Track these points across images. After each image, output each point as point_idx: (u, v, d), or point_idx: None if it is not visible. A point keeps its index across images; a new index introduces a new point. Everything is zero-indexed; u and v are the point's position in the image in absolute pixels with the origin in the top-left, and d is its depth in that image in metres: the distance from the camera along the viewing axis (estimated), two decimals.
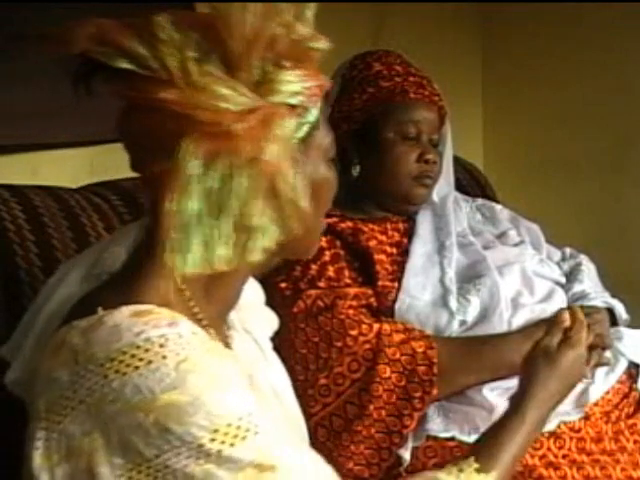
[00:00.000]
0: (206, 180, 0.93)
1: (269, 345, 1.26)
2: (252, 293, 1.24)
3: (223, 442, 0.92)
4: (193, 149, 0.93)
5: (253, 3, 0.95)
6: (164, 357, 0.92)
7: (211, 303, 1.05)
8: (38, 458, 0.95)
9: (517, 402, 1.28)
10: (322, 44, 1.01)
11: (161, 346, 0.93)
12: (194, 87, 0.93)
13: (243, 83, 0.95)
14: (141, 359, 0.92)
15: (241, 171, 0.94)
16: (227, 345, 1.12)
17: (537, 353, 1.33)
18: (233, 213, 0.94)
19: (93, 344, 0.94)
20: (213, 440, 0.92)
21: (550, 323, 1.37)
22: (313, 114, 1.02)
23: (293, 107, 0.98)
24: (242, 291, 1.11)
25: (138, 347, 0.92)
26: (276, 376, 1.22)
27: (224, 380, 0.96)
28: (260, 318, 1.25)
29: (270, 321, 1.30)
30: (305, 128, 1.01)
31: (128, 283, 1.01)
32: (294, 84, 0.98)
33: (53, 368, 0.96)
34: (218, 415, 0.92)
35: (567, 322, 1.35)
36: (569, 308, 1.40)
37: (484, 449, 1.21)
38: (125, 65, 0.94)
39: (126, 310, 0.96)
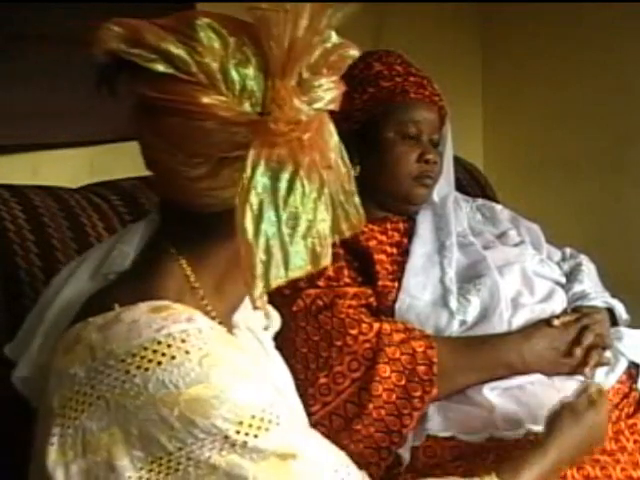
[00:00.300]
0: (276, 191, 0.95)
1: (271, 344, 1.27)
2: None
3: (247, 433, 0.95)
4: (261, 159, 0.94)
5: (293, 12, 0.95)
6: (187, 352, 0.94)
7: (222, 301, 1.07)
8: (53, 454, 0.96)
9: (541, 439, 1.35)
10: (355, 51, 1.03)
11: (183, 341, 0.94)
12: (238, 92, 0.94)
13: (291, 90, 0.96)
14: (164, 354, 0.94)
15: (306, 179, 0.96)
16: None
17: (563, 408, 1.39)
18: (304, 220, 0.96)
19: (111, 340, 0.95)
20: (238, 432, 0.94)
21: (578, 390, 1.44)
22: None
23: (330, 113, 1.01)
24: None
25: (160, 343, 0.94)
26: (279, 374, 1.24)
27: (245, 373, 0.98)
28: (262, 317, 1.26)
29: (272, 320, 1.31)
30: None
31: (142, 280, 1.03)
32: (331, 91, 1.00)
33: (68, 365, 0.97)
34: (242, 407, 0.95)
35: (592, 391, 1.41)
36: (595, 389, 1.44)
37: (506, 467, 1.26)
38: (163, 68, 0.94)
39: (144, 306, 0.97)
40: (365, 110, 1.75)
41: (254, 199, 0.94)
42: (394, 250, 1.72)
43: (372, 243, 1.70)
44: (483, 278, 1.68)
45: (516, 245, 1.84)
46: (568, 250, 1.94)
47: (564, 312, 1.71)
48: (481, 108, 2.96)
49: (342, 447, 1.53)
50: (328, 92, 0.99)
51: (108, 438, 0.94)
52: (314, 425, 1.55)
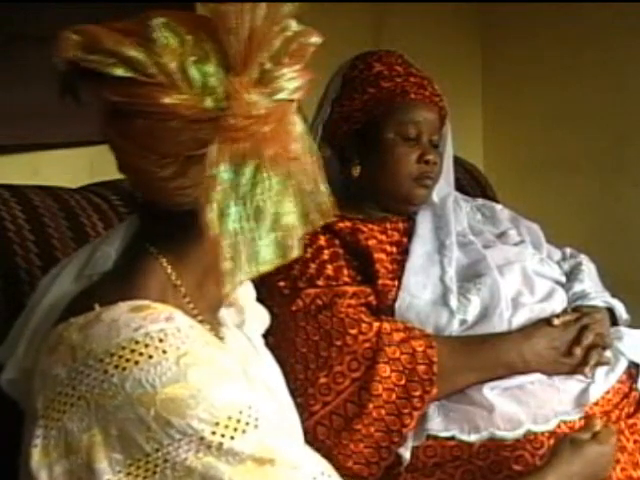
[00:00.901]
0: (238, 185, 0.94)
1: (261, 341, 1.26)
2: (243, 290, 1.23)
3: (223, 435, 0.93)
4: (219, 155, 0.94)
5: (249, 3, 0.95)
6: (164, 351, 0.93)
7: (204, 299, 1.06)
8: (37, 455, 0.96)
9: (539, 468, 1.36)
10: (315, 39, 1.02)
11: (160, 341, 0.94)
12: (199, 89, 0.94)
13: (245, 83, 0.95)
14: (141, 354, 0.93)
15: (269, 172, 0.95)
16: (220, 341, 1.12)
17: (564, 440, 1.39)
18: (270, 214, 0.96)
19: (91, 340, 0.95)
20: (214, 433, 0.93)
21: (584, 424, 1.46)
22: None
23: (294, 102, 1.00)
24: None
25: (137, 342, 0.93)
26: (269, 372, 1.22)
27: (224, 373, 0.96)
28: (251, 315, 1.25)
29: (261, 317, 1.30)
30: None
31: (124, 280, 1.02)
32: (295, 80, 0.99)
33: (51, 365, 0.97)
34: (219, 408, 0.93)
35: (598, 427, 1.41)
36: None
37: None
38: (122, 72, 0.94)
39: (123, 306, 0.96)
40: (365, 110, 1.75)
41: (218, 196, 0.94)
42: (394, 249, 1.72)
43: (372, 242, 1.70)
44: (483, 277, 1.68)
45: (516, 245, 1.84)
46: (568, 250, 1.94)
47: (564, 311, 1.71)
48: (481, 108, 2.96)
49: (342, 446, 1.55)
50: (291, 81, 0.98)
51: (88, 440, 0.94)
52: (314, 425, 1.56)
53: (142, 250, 1.05)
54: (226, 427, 0.93)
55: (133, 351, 0.93)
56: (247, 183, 0.95)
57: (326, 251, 1.67)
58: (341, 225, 1.72)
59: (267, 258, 0.97)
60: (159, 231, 1.05)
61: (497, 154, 2.93)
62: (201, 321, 1.05)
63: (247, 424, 0.94)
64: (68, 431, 0.94)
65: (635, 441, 1.58)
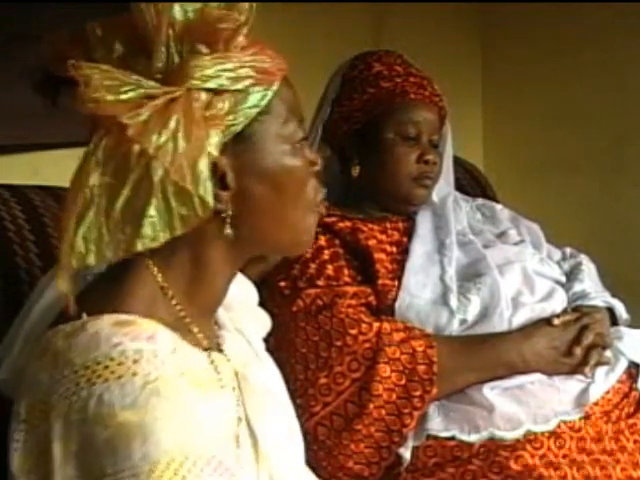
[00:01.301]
0: (104, 171, 0.93)
1: (262, 346, 1.24)
2: (245, 293, 1.23)
3: (160, 477, 0.88)
4: (94, 148, 0.93)
5: None
6: (134, 374, 0.90)
7: (194, 302, 1.04)
8: (17, 460, 0.94)
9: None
10: (229, 23, 0.97)
11: (135, 362, 0.91)
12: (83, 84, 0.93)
13: (154, 73, 0.94)
14: (113, 372, 0.90)
15: (135, 162, 0.92)
16: (218, 345, 1.11)
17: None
18: (124, 204, 0.93)
19: (73, 350, 0.93)
20: (151, 472, 0.88)
21: None
22: (258, 98, 0.99)
23: (219, 93, 0.96)
24: (227, 290, 1.09)
25: (112, 359, 0.91)
26: (270, 377, 1.20)
27: (187, 412, 0.92)
28: (252, 318, 1.24)
29: (263, 321, 1.29)
30: (246, 113, 0.99)
31: (113, 286, 1.00)
32: (201, 69, 0.95)
33: (37, 370, 0.95)
34: (164, 448, 0.88)
35: None
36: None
37: None
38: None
39: (108, 318, 0.94)
40: (365, 110, 1.75)
41: (84, 174, 0.93)
42: (394, 249, 1.72)
43: (372, 242, 1.70)
44: (483, 277, 1.68)
45: (516, 244, 1.84)
46: (568, 249, 1.94)
47: (564, 311, 1.71)
48: (481, 108, 2.96)
49: (343, 447, 1.56)
50: (195, 69, 0.94)
51: (54, 451, 0.91)
52: (315, 425, 1.56)
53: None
54: (163, 471, 0.88)
55: (106, 367, 0.90)
56: (109, 173, 0.93)
57: (326, 251, 1.67)
58: (341, 225, 1.72)
59: (111, 244, 0.94)
60: None
61: (497, 154, 2.93)
62: (190, 323, 1.03)
63: (184, 477, 0.88)
64: (41, 440, 0.92)
65: (635, 441, 1.57)
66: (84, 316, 0.95)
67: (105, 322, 0.94)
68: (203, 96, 0.95)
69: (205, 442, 0.92)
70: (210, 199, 0.95)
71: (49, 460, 0.91)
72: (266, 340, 1.27)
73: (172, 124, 0.93)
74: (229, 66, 0.97)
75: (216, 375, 1.04)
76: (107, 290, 1.00)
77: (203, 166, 0.94)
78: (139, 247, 0.94)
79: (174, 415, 0.90)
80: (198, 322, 1.05)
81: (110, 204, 0.93)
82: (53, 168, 1.88)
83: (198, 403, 0.94)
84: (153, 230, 0.94)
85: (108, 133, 0.93)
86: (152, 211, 0.93)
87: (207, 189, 0.95)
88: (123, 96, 0.92)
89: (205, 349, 1.05)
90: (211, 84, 0.95)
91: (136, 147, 0.92)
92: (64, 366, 0.92)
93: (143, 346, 0.92)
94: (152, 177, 0.93)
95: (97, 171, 0.93)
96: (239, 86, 0.97)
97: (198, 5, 0.96)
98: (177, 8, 0.95)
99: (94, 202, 0.93)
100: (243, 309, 1.21)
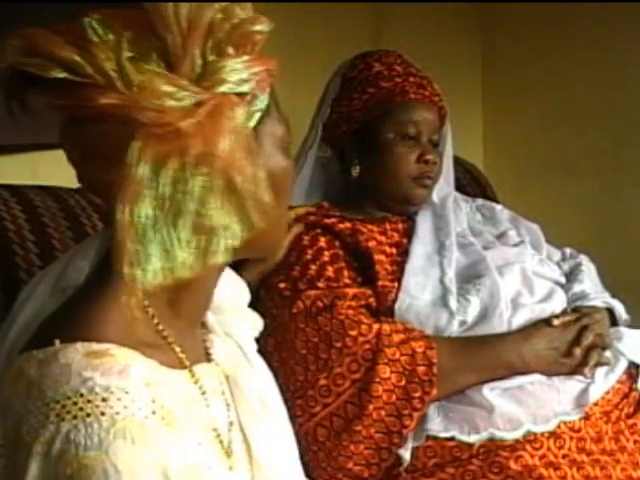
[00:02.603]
0: (157, 184, 0.88)
1: (253, 348, 1.22)
2: (235, 294, 1.20)
3: None
4: (141, 153, 0.88)
5: None
6: (102, 413, 0.87)
7: (179, 317, 1.01)
8: None
9: None
10: (263, 26, 0.96)
11: (104, 400, 0.88)
12: (136, 88, 0.89)
13: (185, 77, 0.91)
14: (81, 409, 0.88)
15: (193, 170, 0.89)
16: (206, 350, 1.09)
17: None
18: (190, 215, 0.89)
19: (44, 381, 0.90)
20: None
21: None
22: (263, 101, 0.98)
23: (242, 95, 0.94)
24: (213, 295, 1.07)
25: (82, 395, 0.88)
26: (261, 381, 1.18)
27: (153, 457, 0.89)
28: (243, 320, 1.21)
29: (254, 322, 1.26)
30: (256, 116, 0.97)
31: (89, 307, 0.97)
32: (240, 71, 0.93)
33: (10, 397, 0.93)
34: None
35: None
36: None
37: None
38: (59, 74, 0.90)
39: (81, 348, 0.91)
40: (365, 110, 1.75)
41: (131, 194, 0.87)
42: (394, 250, 1.72)
43: (371, 243, 1.70)
44: (483, 278, 1.68)
45: (516, 245, 1.84)
46: (568, 250, 1.94)
47: (564, 312, 1.71)
48: (481, 108, 2.96)
49: (342, 448, 1.56)
50: (233, 73, 0.93)
51: None
52: (314, 426, 1.56)
53: (110, 267, 0.97)
54: None
55: (75, 403, 0.88)
56: (167, 183, 0.88)
57: (326, 252, 1.67)
58: (341, 226, 1.72)
59: (181, 260, 0.89)
60: None
61: (497, 154, 2.93)
62: (172, 343, 1.00)
63: None
64: (15, 468, 0.90)
65: (635, 441, 1.58)
66: (57, 342, 0.92)
67: (77, 352, 0.91)
68: (236, 100, 0.94)
69: None
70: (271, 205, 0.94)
71: None
72: (257, 341, 1.26)
73: (225, 130, 0.90)
74: (254, 70, 0.95)
75: (198, 391, 1.02)
76: (82, 312, 0.97)
77: (261, 173, 0.93)
78: (219, 259, 0.91)
79: (139, 460, 0.88)
80: (183, 335, 1.02)
81: (176, 217, 0.89)
82: (53, 168, 1.88)
83: (166, 445, 0.91)
84: (231, 238, 0.91)
85: (161, 140, 0.88)
86: (223, 219, 0.91)
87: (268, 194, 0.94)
88: (182, 103, 0.89)
89: (187, 366, 1.02)
90: (242, 88, 0.94)
91: (197, 154, 0.89)
92: (37, 397, 0.90)
93: (114, 382, 0.89)
94: (219, 184, 0.90)
95: (154, 181, 0.89)
96: (259, 90, 0.97)
97: (225, 5, 0.94)
98: (210, 10, 0.92)
99: (157, 215, 0.89)
100: (234, 310, 1.18)
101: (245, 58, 0.94)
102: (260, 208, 0.92)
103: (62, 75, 0.90)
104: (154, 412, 0.91)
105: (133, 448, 0.87)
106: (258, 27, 0.96)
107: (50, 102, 0.94)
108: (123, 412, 0.88)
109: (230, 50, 0.94)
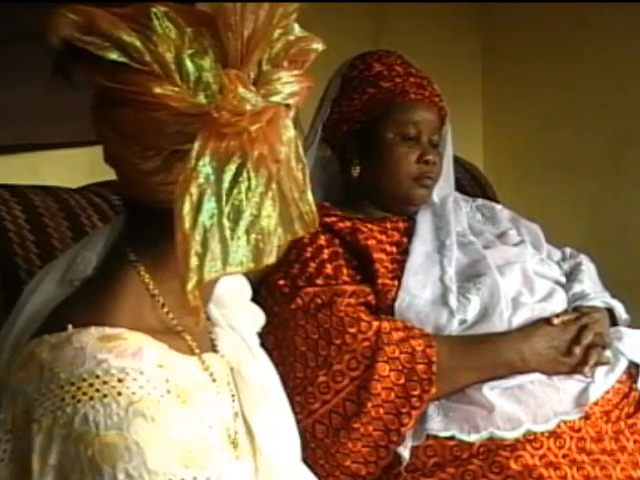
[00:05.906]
0: (221, 182, 0.91)
1: (256, 341, 1.24)
2: (238, 289, 1.22)
3: None
4: (206, 149, 0.90)
5: (252, 3, 0.93)
6: (119, 393, 0.89)
7: (186, 308, 1.01)
8: (2, 471, 0.93)
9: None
10: (318, 45, 1.00)
11: (119, 380, 0.90)
12: (192, 83, 0.91)
13: (242, 80, 0.92)
14: (97, 390, 0.90)
15: (255, 173, 0.92)
16: (211, 341, 1.10)
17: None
18: (249, 215, 0.92)
19: (58, 363, 0.92)
20: None
21: None
22: (293, 114, 1.00)
23: (288, 107, 0.97)
24: (214, 288, 1.08)
25: (97, 377, 0.90)
26: (264, 373, 1.19)
27: (171, 433, 0.91)
28: (246, 314, 1.23)
29: (256, 316, 1.27)
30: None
31: (100, 295, 0.98)
32: (292, 84, 0.97)
33: (20, 382, 0.94)
34: (149, 469, 0.88)
35: None
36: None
37: None
38: (116, 57, 0.91)
39: (94, 332, 0.93)
40: (365, 111, 1.75)
41: (194, 189, 0.90)
42: (394, 249, 1.72)
43: (371, 242, 1.71)
44: (483, 277, 1.68)
45: (516, 245, 1.84)
46: (568, 250, 1.94)
47: (564, 311, 1.71)
48: (481, 108, 2.96)
49: (341, 445, 1.56)
50: (287, 85, 0.96)
51: (28, 465, 0.90)
52: (313, 423, 1.56)
53: (120, 257, 1.01)
54: None
55: (91, 385, 0.90)
56: (228, 181, 0.91)
57: (326, 250, 1.67)
58: (341, 225, 1.72)
59: (239, 260, 0.92)
60: (139, 234, 1.02)
61: (497, 154, 2.93)
62: (182, 332, 1.02)
63: None
64: (23, 452, 0.92)
65: (635, 441, 1.57)
66: (69, 327, 0.94)
67: (91, 336, 0.93)
68: (287, 111, 0.97)
69: (190, 462, 0.91)
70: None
71: (29, 471, 0.90)
72: (260, 335, 1.27)
73: (284, 138, 0.94)
74: (305, 85, 0.99)
75: (209, 378, 1.03)
76: (94, 299, 0.98)
77: (308, 182, 0.97)
78: (271, 260, 0.95)
79: (158, 436, 0.90)
80: (190, 329, 1.03)
81: (236, 215, 0.92)
82: (53, 168, 1.88)
83: (183, 421, 0.93)
84: (279, 241, 0.95)
85: (223, 140, 0.91)
86: (274, 222, 0.95)
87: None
88: (257, 108, 0.92)
89: (197, 353, 1.04)
90: (290, 101, 0.97)
91: (259, 158, 0.92)
92: (50, 380, 0.91)
93: (128, 364, 0.91)
94: (274, 189, 0.94)
95: (217, 178, 0.91)
96: (298, 104, 1.00)
97: (286, 22, 0.97)
98: (273, 23, 0.95)
99: (220, 212, 0.91)
100: (236, 305, 1.20)
101: (296, 72, 0.97)
102: (300, 216, 0.96)
103: (119, 58, 0.91)
104: (169, 391, 0.93)
105: (153, 425, 0.89)
106: (314, 46, 1.00)
107: (95, 81, 0.94)
108: (139, 392, 0.90)
109: (285, 63, 0.97)
